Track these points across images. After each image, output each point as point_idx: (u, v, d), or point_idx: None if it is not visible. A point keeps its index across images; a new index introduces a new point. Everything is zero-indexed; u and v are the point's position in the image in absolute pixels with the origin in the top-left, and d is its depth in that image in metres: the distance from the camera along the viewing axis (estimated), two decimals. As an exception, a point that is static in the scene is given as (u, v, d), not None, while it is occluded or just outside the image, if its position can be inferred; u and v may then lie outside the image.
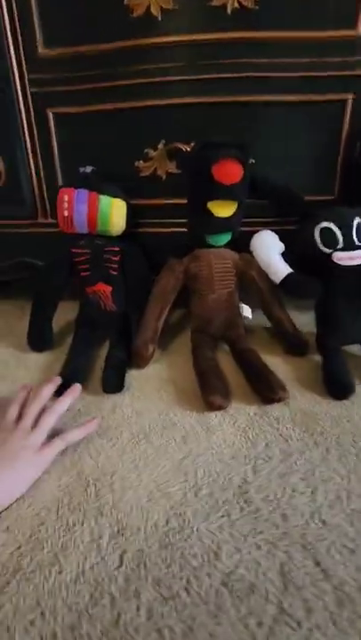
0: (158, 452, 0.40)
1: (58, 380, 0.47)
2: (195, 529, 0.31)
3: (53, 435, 0.39)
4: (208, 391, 0.46)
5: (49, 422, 0.40)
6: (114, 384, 0.51)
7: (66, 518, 0.32)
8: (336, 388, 0.49)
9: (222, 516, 0.32)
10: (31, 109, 0.61)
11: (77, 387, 0.47)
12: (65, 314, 0.66)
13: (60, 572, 0.28)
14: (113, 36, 0.55)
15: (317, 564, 0.28)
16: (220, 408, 0.46)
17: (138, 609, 0.26)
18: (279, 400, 0.47)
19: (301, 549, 0.29)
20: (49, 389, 0.44)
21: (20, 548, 0.30)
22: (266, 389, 0.47)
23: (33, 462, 0.36)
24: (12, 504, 0.34)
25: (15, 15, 0.56)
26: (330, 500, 0.33)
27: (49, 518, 0.33)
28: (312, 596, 0.26)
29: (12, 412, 0.41)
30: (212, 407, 0.46)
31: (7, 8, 0.56)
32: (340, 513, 0.32)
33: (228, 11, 0.52)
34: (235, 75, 0.55)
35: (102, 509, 0.33)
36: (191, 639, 0.24)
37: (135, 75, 0.56)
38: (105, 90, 0.58)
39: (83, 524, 0.32)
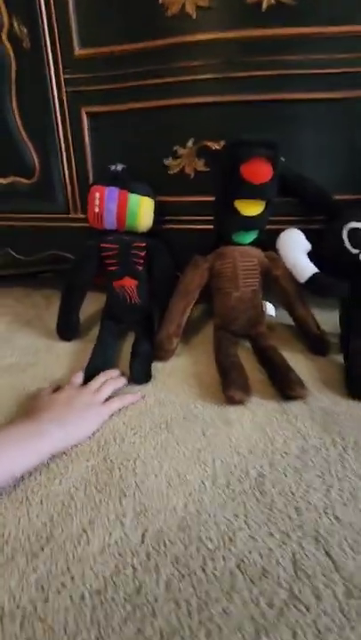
0: (178, 441, 0.42)
1: (116, 372, 0.54)
2: (211, 515, 0.33)
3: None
4: (229, 386, 0.48)
5: (109, 390, 0.49)
6: (142, 375, 0.53)
7: (93, 496, 0.35)
8: (357, 389, 0.49)
9: (238, 505, 0.34)
10: (66, 108, 0.64)
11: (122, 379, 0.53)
12: (89, 305, 0.69)
13: (87, 544, 0.31)
14: (147, 35, 0.56)
15: (328, 556, 0.30)
16: (239, 402, 0.47)
17: (157, 582, 0.28)
18: (298, 397, 0.48)
19: (313, 541, 0.31)
20: (113, 373, 0.53)
21: (52, 519, 0.33)
22: (285, 386, 0.48)
23: (95, 414, 0.44)
24: (71, 448, 0.41)
25: (53, 16, 0.58)
26: (344, 498, 0.35)
27: (78, 495, 0.35)
28: (322, 585, 0.27)
29: (77, 380, 0.51)
30: (231, 401, 0.47)
31: (46, 10, 0.58)
32: (354, 510, 0.33)
33: (264, 7, 0.51)
34: (269, 72, 0.55)
35: (126, 491, 0.36)
36: (206, 613, 0.26)
37: (168, 73, 0.57)
38: (138, 89, 0.59)
39: (108, 503, 0.34)
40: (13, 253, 0.77)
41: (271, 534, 0.31)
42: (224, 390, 0.48)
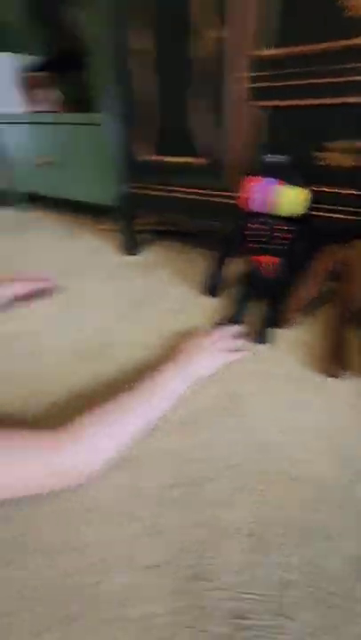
0: (273, 390, 0.59)
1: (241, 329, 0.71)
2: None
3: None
4: (327, 359, 0.60)
5: (231, 345, 0.66)
6: (265, 338, 0.70)
7: (211, 412, 0.56)
8: None
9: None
10: (241, 102, 0.75)
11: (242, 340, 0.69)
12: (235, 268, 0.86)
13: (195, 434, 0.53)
14: (325, 36, 0.60)
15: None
16: (332, 376, 0.60)
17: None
18: None
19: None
20: (235, 330, 0.70)
21: (184, 423, 0.56)
22: None
23: (212, 363, 0.62)
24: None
25: (237, 21, 0.67)
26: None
27: (202, 411, 0.57)
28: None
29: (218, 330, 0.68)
30: (326, 373, 0.60)
31: (229, 15, 0.68)
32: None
33: None
34: None
35: (231, 410, 0.56)
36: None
37: (339, 73, 0.61)
38: (306, 87, 0.65)
39: (221, 415, 0.55)
40: (186, 219, 0.98)
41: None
42: (323, 362, 0.61)
